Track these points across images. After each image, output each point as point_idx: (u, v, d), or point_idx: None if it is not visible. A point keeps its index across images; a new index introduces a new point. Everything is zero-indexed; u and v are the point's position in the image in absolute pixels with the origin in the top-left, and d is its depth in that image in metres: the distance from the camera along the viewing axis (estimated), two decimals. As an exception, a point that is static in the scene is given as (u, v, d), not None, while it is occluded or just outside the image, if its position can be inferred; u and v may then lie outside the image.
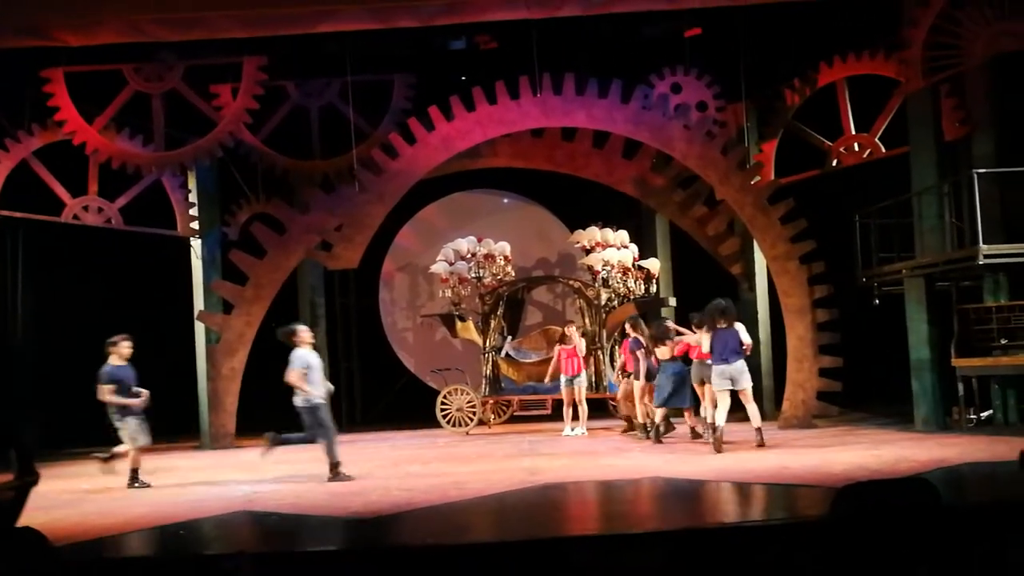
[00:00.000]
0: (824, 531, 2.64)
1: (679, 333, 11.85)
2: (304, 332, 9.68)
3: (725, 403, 10.52)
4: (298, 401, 9.48)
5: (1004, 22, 11.10)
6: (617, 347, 13.80)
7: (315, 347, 9.95)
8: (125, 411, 9.54)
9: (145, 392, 9.65)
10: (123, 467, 9.72)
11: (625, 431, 13.17)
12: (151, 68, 13.94)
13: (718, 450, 10.25)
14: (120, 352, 9.77)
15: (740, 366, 10.47)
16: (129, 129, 14.15)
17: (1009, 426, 11.62)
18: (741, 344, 10.49)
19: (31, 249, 14.50)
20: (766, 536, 5.97)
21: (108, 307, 15.29)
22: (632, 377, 12.33)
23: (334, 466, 9.46)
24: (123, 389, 9.54)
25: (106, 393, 9.51)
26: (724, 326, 10.58)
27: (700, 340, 11.22)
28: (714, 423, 10.53)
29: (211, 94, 14.22)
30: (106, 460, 9.74)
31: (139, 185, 14.52)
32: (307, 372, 9.39)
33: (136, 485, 9.52)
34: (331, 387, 9.82)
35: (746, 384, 10.52)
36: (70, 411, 14.39)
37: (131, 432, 9.54)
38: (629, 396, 12.82)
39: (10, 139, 13.56)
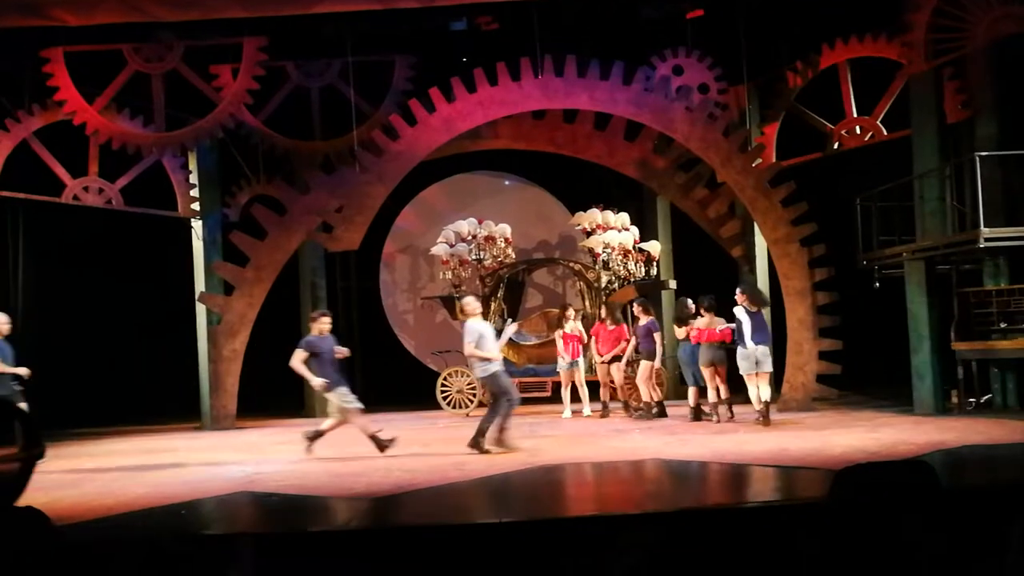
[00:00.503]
0: (823, 513, 2.65)
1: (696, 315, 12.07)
2: (470, 304, 9.94)
3: (755, 383, 11.15)
4: (478, 372, 9.82)
5: (1006, 5, 11.05)
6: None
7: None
8: (330, 384, 9.60)
9: (343, 350, 9.83)
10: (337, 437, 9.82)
11: (602, 415, 13.24)
12: (151, 48, 13.88)
13: (766, 425, 10.86)
14: (319, 327, 9.85)
15: (767, 349, 11.14)
16: (129, 109, 14.11)
17: (1008, 409, 11.65)
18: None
19: (31, 230, 14.50)
20: (765, 517, 6.00)
21: (108, 288, 15.34)
22: (643, 359, 12.54)
23: (480, 432, 9.58)
24: (321, 360, 9.57)
25: (296, 359, 9.56)
26: (755, 310, 11.17)
27: (709, 324, 11.46)
28: (766, 403, 11.09)
29: (211, 75, 14.17)
30: (311, 439, 9.72)
31: (140, 166, 14.49)
32: (481, 342, 9.58)
33: (387, 445, 9.57)
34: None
35: (770, 367, 11.18)
36: (70, 391, 14.46)
37: (335, 405, 9.64)
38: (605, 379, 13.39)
39: (10, 119, 13.50)
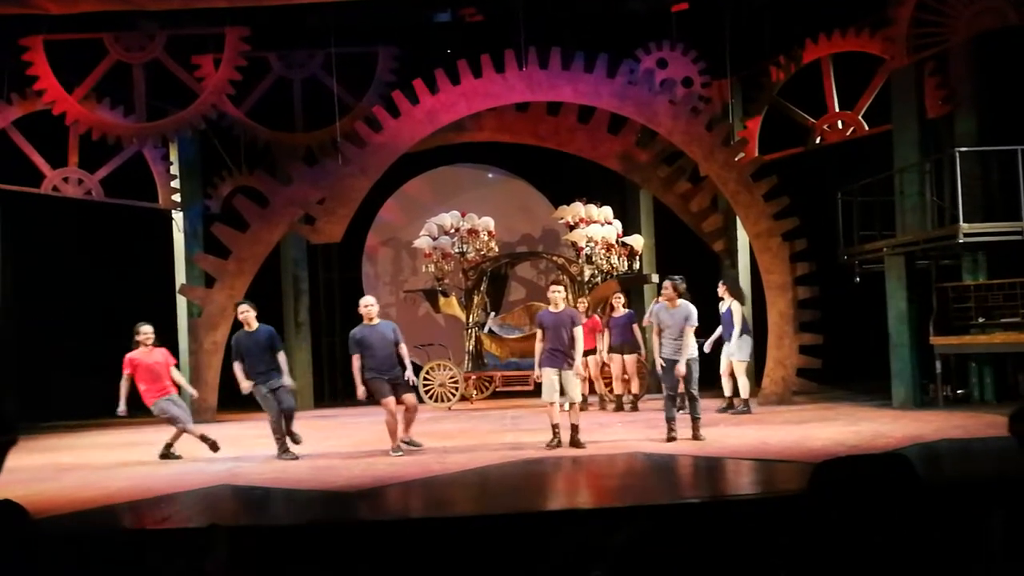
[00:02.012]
0: (802, 505, 2.66)
1: None
2: (668, 290, 9.62)
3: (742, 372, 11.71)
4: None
5: (987, 0, 11.11)
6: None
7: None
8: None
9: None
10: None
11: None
12: (132, 38, 13.77)
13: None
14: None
15: None
16: (110, 99, 14.00)
17: (985, 403, 11.74)
18: None
19: (10, 221, 14.35)
20: (745, 511, 6.04)
21: (88, 280, 15.20)
22: (630, 351, 12.76)
23: (693, 424, 9.40)
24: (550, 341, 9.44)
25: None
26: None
27: None
28: (746, 399, 11.67)
29: (193, 65, 14.07)
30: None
31: (120, 156, 14.39)
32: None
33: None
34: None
35: None
36: (49, 384, 14.34)
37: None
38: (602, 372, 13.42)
39: (-12, 109, 13.40)
